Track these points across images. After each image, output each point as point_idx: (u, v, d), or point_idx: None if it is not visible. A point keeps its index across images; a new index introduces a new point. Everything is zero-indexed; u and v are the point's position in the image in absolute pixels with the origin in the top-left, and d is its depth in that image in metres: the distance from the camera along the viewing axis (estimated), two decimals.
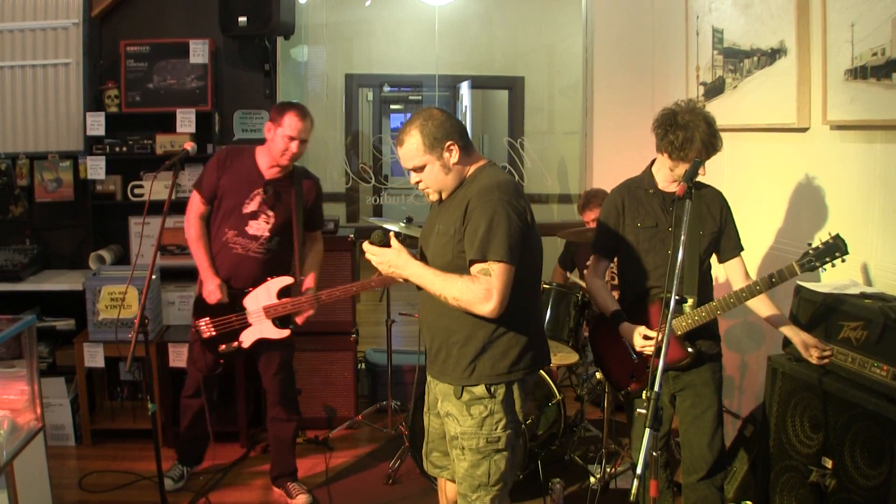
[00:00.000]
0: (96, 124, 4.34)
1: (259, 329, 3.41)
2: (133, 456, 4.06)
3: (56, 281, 4.28)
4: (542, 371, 3.83)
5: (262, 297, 3.41)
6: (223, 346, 3.41)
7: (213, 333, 3.41)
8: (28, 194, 4.47)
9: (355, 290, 3.37)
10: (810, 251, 2.53)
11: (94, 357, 4.08)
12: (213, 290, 3.35)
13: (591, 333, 3.14)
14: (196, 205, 3.47)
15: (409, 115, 11.15)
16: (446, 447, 2.57)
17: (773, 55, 3.44)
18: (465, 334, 2.40)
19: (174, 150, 4.27)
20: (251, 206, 3.39)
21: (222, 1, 4.29)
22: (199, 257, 3.43)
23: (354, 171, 5.50)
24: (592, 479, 3.64)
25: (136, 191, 4.45)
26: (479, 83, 6.96)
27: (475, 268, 2.31)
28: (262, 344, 3.47)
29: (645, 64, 4.87)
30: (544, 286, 3.77)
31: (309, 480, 3.79)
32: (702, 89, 4.10)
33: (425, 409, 2.72)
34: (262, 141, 4.64)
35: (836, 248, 2.50)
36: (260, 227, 3.40)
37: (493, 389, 2.41)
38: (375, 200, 5.83)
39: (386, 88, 8.19)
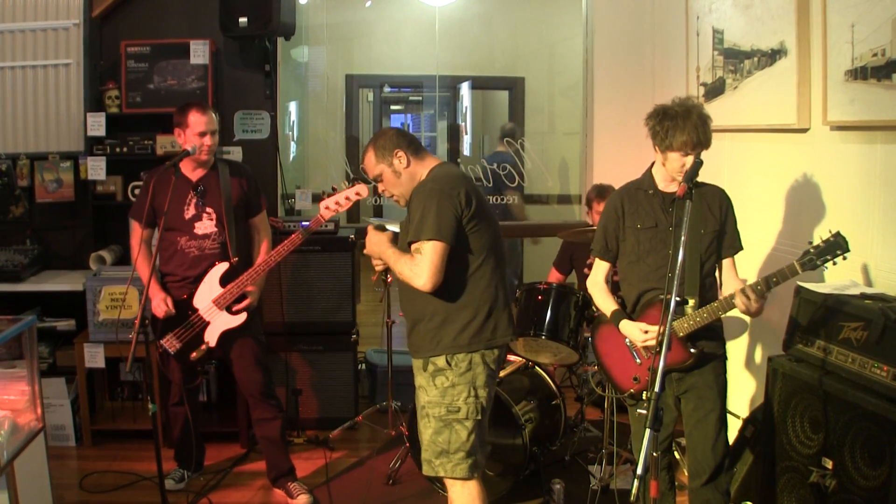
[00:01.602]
0: (97, 125, 4.35)
1: (218, 323, 3.44)
2: (134, 456, 4.07)
3: (56, 281, 4.29)
4: (542, 371, 3.85)
5: (208, 292, 3.45)
6: (194, 354, 3.44)
7: (179, 345, 3.45)
8: (29, 195, 4.47)
9: (285, 249, 3.42)
10: (811, 249, 2.51)
11: (94, 357, 4.08)
12: (158, 303, 3.41)
13: (593, 336, 3.14)
14: (136, 231, 3.54)
15: (409, 115, 11.17)
16: (418, 412, 2.83)
17: (774, 56, 3.44)
18: (431, 310, 2.71)
19: (174, 150, 4.27)
20: (191, 211, 3.47)
21: (223, 1, 4.29)
22: (145, 276, 3.49)
23: (354, 172, 5.50)
24: (592, 480, 3.64)
25: (137, 191, 4.44)
26: (479, 84, 6.96)
27: (412, 248, 2.65)
28: (230, 344, 3.50)
29: (645, 64, 4.87)
30: (544, 287, 3.77)
31: (309, 480, 3.80)
32: (702, 90, 4.10)
33: None
34: (261, 142, 4.69)
35: (837, 246, 2.47)
36: (206, 226, 3.49)
37: (452, 361, 2.68)
38: (375, 201, 5.83)
39: (386, 89, 8.20)
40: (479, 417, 2.70)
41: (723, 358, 2.88)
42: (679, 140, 2.66)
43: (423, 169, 2.78)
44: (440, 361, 2.69)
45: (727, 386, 2.89)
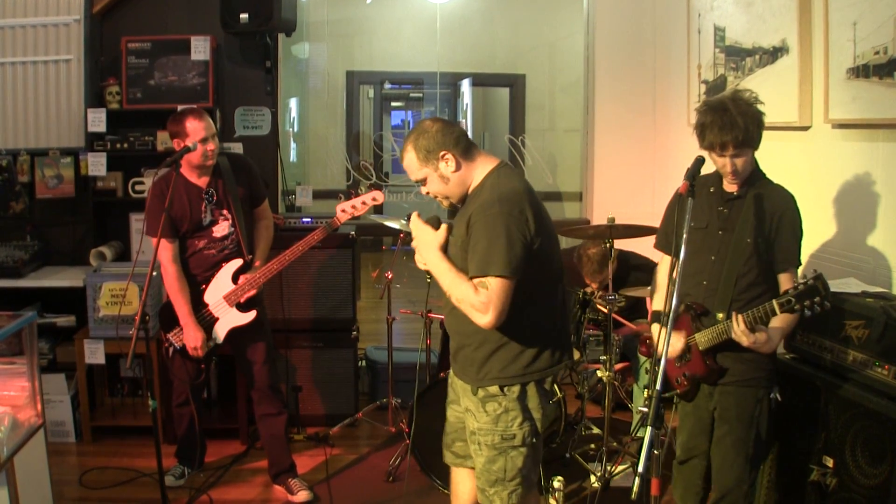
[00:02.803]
0: (97, 121, 4.34)
1: (227, 319, 3.45)
2: (133, 453, 4.06)
3: (57, 277, 4.29)
4: None
5: (219, 288, 3.46)
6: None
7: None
8: (29, 191, 4.47)
9: (301, 249, 3.46)
10: (790, 290, 2.39)
11: (94, 354, 4.07)
12: (198, 346, 3.39)
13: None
14: (164, 249, 3.37)
15: (409, 112, 11.15)
16: (463, 437, 2.63)
17: (775, 53, 3.43)
18: (480, 337, 2.44)
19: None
20: (207, 217, 3.45)
21: None
22: (180, 306, 3.40)
23: (355, 169, 5.49)
24: (593, 478, 3.64)
25: (137, 187, 4.44)
26: (480, 81, 6.96)
27: (475, 281, 2.32)
28: (241, 337, 3.51)
29: (646, 62, 4.87)
30: None
31: (309, 477, 3.79)
32: (703, 87, 4.10)
33: (448, 400, 2.75)
34: (262, 139, 4.69)
35: (815, 292, 2.32)
36: (224, 228, 3.48)
37: (505, 389, 2.45)
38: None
39: (387, 86, 8.19)
40: (535, 441, 2.49)
41: (749, 383, 2.64)
42: (707, 139, 2.55)
43: (476, 172, 2.45)
44: (492, 388, 2.45)
45: (758, 413, 2.64)
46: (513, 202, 2.33)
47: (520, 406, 2.45)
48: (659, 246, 2.92)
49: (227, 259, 3.48)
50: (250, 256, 3.52)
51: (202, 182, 3.45)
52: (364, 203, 3.52)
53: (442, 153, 2.41)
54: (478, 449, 2.50)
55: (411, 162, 2.46)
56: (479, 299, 2.29)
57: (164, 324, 3.49)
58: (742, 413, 2.63)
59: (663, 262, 2.93)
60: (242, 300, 3.45)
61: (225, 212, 3.48)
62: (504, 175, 2.45)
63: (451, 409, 2.72)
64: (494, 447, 2.46)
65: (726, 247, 2.62)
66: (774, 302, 2.41)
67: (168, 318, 3.48)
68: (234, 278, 3.46)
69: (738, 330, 2.47)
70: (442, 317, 3.87)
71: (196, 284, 3.47)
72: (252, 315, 3.48)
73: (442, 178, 2.44)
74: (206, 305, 3.45)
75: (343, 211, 3.50)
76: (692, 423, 2.81)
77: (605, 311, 3.71)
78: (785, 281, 2.61)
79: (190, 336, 3.40)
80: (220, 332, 3.45)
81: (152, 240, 3.33)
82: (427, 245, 2.44)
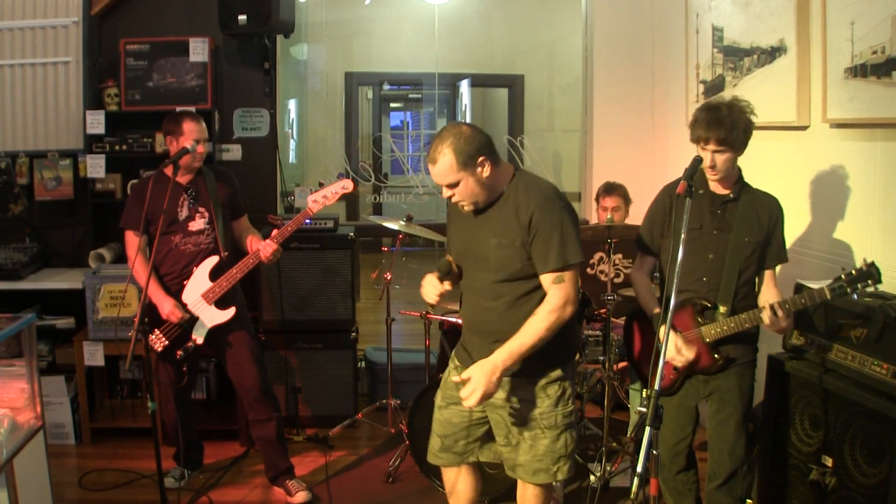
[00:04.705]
0: (96, 122, 4.34)
1: (207, 318, 3.45)
2: (133, 454, 4.07)
3: (56, 279, 4.28)
4: None
5: (197, 287, 3.47)
6: (179, 352, 3.43)
7: (167, 342, 3.45)
8: (28, 193, 4.47)
9: (289, 230, 3.49)
10: (843, 276, 2.46)
11: (93, 355, 4.08)
12: (171, 310, 3.40)
13: (626, 325, 3.14)
14: (132, 241, 3.51)
15: (408, 113, 11.15)
16: (472, 435, 2.71)
17: (773, 53, 3.43)
18: None
19: None
20: (185, 212, 3.50)
21: None
22: (145, 285, 3.42)
23: (354, 170, 5.50)
24: (592, 478, 3.64)
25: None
26: (478, 81, 6.97)
27: (551, 276, 2.43)
28: (223, 338, 3.51)
29: (645, 62, 4.87)
30: None
31: (309, 478, 3.80)
32: (702, 87, 4.10)
33: (447, 402, 2.73)
34: (261, 140, 4.69)
35: (869, 276, 2.43)
36: (199, 224, 3.53)
37: (565, 369, 2.60)
38: (375, 199, 5.83)
39: (386, 86, 8.19)
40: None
41: (750, 364, 2.82)
42: (695, 133, 2.68)
43: (503, 175, 2.49)
44: (554, 373, 2.56)
45: (753, 392, 2.84)
46: (562, 196, 2.49)
47: (570, 383, 2.61)
48: (641, 246, 2.99)
49: (203, 253, 3.50)
50: (226, 253, 3.53)
51: (184, 179, 3.51)
52: (335, 192, 3.53)
53: (480, 158, 2.40)
54: (540, 434, 2.57)
55: (447, 165, 2.39)
56: (557, 302, 2.41)
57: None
58: (744, 393, 2.78)
59: (644, 261, 3.00)
60: (220, 296, 3.45)
61: (202, 209, 3.52)
62: (532, 175, 2.56)
63: (453, 409, 2.70)
64: (557, 426, 2.57)
65: (724, 245, 2.73)
66: (825, 288, 2.49)
67: (148, 324, 3.46)
68: (211, 276, 3.47)
69: (780, 317, 2.57)
70: (441, 317, 3.88)
71: (174, 283, 3.48)
72: (231, 312, 3.47)
73: (478, 182, 2.43)
74: (185, 305, 3.45)
75: (315, 202, 3.51)
76: (677, 416, 2.87)
77: (604, 313, 3.71)
78: (769, 276, 2.79)
79: (162, 308, 3.40)
80: (200, 332, 3.45)
81: (125, 231, 3.53)
82: (490, 371, 2.40)
